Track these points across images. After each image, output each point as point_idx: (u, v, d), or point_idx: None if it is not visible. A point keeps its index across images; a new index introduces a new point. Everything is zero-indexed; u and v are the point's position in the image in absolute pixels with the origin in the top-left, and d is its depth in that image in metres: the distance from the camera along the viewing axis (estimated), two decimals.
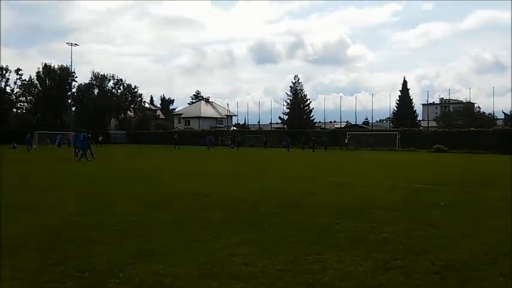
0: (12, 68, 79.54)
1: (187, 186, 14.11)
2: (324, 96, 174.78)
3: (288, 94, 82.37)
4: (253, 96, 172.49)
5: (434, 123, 67.51)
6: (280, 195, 12.02)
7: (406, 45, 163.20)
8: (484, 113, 64.55)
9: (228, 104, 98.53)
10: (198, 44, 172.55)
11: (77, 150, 28.26)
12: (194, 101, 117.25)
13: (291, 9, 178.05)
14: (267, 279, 5.02)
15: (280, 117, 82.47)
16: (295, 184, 14.94)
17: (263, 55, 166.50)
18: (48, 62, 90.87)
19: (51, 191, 12.72)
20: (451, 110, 74.46)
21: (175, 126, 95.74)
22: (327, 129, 70.03)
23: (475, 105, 70.55)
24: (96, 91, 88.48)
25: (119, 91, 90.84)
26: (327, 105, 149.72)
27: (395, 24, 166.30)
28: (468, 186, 15.02)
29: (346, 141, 54.81)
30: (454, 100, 79.02)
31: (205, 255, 5.94)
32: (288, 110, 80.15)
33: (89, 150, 27.54)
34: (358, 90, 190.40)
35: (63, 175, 18.05)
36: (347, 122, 77.12)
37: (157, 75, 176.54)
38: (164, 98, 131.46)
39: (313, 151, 47.78)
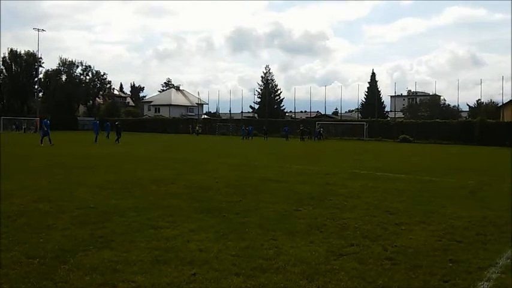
0: None
1: (150, 173, 13.96)
2: (295, 86, 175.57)
3: (259, 84, 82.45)
4: (227, 85, 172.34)
5: (401, 115, 68.80)
6: (244, 183, 12.02)
7: (383, 39, 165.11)
8: (449, 105, 66.22)
9: (198, 93, 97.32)
10: (177, 33, 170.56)
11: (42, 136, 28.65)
12: (165, 88, 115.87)
13: (272, 2, 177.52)
14: (221, 265, 5.01)
15: (251, 106, 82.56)
16: (259, 172, 14.97)
17: (240, 43, 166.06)
18: (21, 49, 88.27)
19: (12, 177, 12.37)
20: (418, 102, 75.98)
21: (145, 114, 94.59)
22: (297, 118, 70.37)
23: (441, 97, 72.34)
24: (64, 77, 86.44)
25: (88, 78, 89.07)
26: (302, 95, 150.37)
27: (374, 19, 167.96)
28: (429, 174, 15.36)
29: (319, 131, 54.74)
30: (421, 92, 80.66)
31: (161, 241, 5.89)
32: (259, 100, 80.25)
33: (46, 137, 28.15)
34: (332, 81, 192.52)
35: (26, 160, 17.58)
36: (317, 112, 77.76)
37: (133, 63, 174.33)
38: (134, 85, 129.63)
39: (298, 140, 48.24)
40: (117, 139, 33.53)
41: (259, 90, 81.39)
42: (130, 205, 8.40)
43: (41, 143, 27.83)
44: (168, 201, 9.00)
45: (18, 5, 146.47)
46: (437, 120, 52.40)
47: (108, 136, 38.99)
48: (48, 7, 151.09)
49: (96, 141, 33.08)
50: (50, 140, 28.18)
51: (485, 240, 6.42)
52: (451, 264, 5.27)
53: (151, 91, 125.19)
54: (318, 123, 58.14)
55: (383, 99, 79.60)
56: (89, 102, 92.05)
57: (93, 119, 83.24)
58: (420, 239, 6.39)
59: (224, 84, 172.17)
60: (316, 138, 50.55)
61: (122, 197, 9.34)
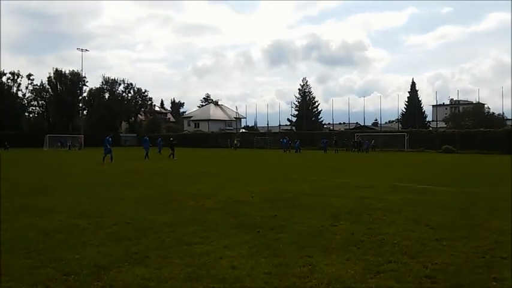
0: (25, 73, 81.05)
1: (188, 187, 14.06)
2: (332, 98, 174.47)
3: (296, 96, 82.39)
4: (265, 99, 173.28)
5: (443, 124, 67.02)
6: (280, 197, 11.90)
7: (422, 48, 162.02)
8: (493, 113, 64.02)
9: (236, 107, 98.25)
10: (215, 48, 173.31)
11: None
12: (204, 104, 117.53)
13: (310, 14, 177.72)
14: (253, 283, 4.94)
15: (288, 119, 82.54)
16: (296, 185, 14.81)
17: (278, 56, 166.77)
18: (66, 68, 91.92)
19: (53, 192, 12.74)
20: (461, 110, 73.84)
21: (185, 129, 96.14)
22: (335, 130, 69.70)
23: (485, 105, 70.04)
24: (107, 95, 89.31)
25: (129, 95, 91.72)
26: (340, 106, 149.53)
27: (412, 28, 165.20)
28: (472, 186, 14.79)
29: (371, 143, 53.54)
30: (464, 101, 78.38)
31: (194, 258, 5.87)
32: (297, 112, 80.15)
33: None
34: (371, 92, 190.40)
35: (66, 177, 18.10)
36: (356, 123, 76.82)
37: (173, 80, 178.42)
38: (174, 101, 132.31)
39: (326, 152, 47.87)
40: (172, 154, 34.39)
41: (296, 103, 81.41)
42: (166, 220, 8.46)
43: (103, 161, 27.80)
44: (203, 216, 9.01)
45: (63, 27, 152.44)
46: (481, 129, 50.65)
47: (160, 151, 39.93)
48: (92, 27, 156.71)
49: (146, 157, 32.96)
50: (111, 158, 28.16)
51: None
52: (495, 283, 5.01)
53: (191, 106, 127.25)
54: (357, 135, 57.39)
55: (424, 108, 78.26)
56: (131, 118, 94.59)
57: (135, 135, 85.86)
58: (462, 255, 6.11)
59: (262, 98, 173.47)
60: (367, 150, 49.88)
61: (159, 212, 9.42)
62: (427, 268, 5.52)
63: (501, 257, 6.00)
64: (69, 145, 64.54)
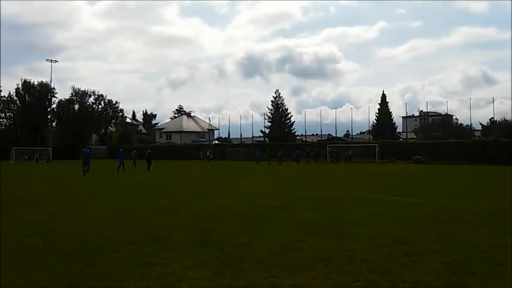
0: None
1: (155, 202, 13.63)
2: (305, 110, 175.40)
3: (269, 108, 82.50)
4: (238, 110, 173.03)
5: (413, 135, 68.06)
6: (249, 212, 11.60)
7: (393, 61, 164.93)
8: (461, 124, 65.40)
9: (209, 119, 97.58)
10: (190, 61, 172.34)
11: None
12: (177, 115, 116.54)
13: (282, 27, 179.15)
14: None
15: (261, 131, 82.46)
16: (267, 199, 14.54)
17: (252, 68, 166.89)
18: (35, 79, 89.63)
19: (13, 210, 12.12)
20: (430, 122, 75.20)
21: (156, 141, 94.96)
22: (308, 141, 69.95)
23: (454, 117, 71.56)
24: (76, 106, 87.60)
25: (100, 106, 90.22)
26: (314, 118, 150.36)
27: (383, 41, 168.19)
28: (443, 198, 14.81)
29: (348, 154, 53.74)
30: (433, 112, 79.88)
31: (151, 281, 5.48)
32: (270, 124, 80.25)
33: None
34: (343, 104, 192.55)
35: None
36: (328, 134, 77.30)
37: (146, 91, 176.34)
38: (146, 112, 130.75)
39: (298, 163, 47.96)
40: (148, 167, 34.49)
41: (269, 115, 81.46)
42: (127, 238, 8.04)
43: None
44: (166, 233, 8.60)
45: (33, 37, 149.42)
46: (450, 140, 51.58)
47: (135, 164, 38.94)
48: (63, 39, 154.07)
49: (120, 169, 32.85)
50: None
51: (503, 271, 5.94)
52: None
53: (164, 118, 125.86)
54: (329, 146, 57.68)
55: (394, 120, 79.14)
56: (102, 130, 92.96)
57: (105, 147, 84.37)
58: (433, 272, 5.91)
59: (236, 110, 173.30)
60: (345, 161, 50.03)
61: (120, 229, 8.98)
62: (396, 287, 5.30)
63: (472, 273, 5.84)
64: (37, 158, 62.82)
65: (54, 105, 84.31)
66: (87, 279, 5.58)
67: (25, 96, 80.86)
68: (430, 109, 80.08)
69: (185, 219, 10.47)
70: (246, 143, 73.73)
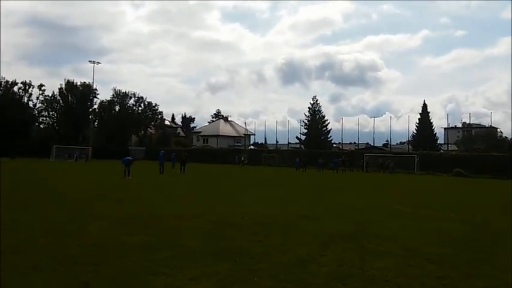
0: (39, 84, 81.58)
1: (178, 205, 13.32)
2: (343, 117, 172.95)
3: (306, 115, 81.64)
4: (276, 116, 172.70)
5: (455, 147, 65.72)
6: (272, 220, 11.08)
7: (436, 70, 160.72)
8: (506, 137, 62.69)
9: (245, 123, 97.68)
10: (230, 66, 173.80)
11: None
12: (214, 119, 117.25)
13: (324, 33, 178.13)
14: None
15: (297, 137, 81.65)
16: (293, 207, 13.98)
17: (291, 75, 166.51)
18: (79, 80, 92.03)
19: (36, 206, 12.08)
20: (473, 134, 72.48)
21: (194, 144, 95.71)
22: (345, 150, 68.66)
23: (498, 129, 68.74)
24: (117, 108, 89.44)
25: (140, 108, 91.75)
26: (352, 126, 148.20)
27: (425, 50, 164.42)
28: (481, 213, 13.87)
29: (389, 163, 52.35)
30: (477, 124, 77.04)
31: None
32: (306, 130, 79.40)
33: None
34: (383, 113, 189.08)
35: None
36: (367, 143, 75.74)
37: (186, 95, 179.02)
38: (185, 116, 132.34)
39: (336, 171, 47.15)
40: (183, 168, 35.51)
41: (306, 121, 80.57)
42: (138, 243, 7.69)
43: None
44: (182, 239, 8.22)
45: (79, 39, 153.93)
46: (493, 153, 49.34)
47: (173, 166, 39.74)
48: (108, 42, 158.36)
49: (161, 171, 32.86)
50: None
51: None
52: None
53: (202, 122, 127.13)
54: (366, 155, 56.36)
55: (436, 131, 76.66)
56: (141, 132, 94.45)
57: (144, 148, 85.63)
58: None
59: (273, 115, 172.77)
60: (391, 171, 48.78)
61: (133, 233, 8.65)
62: None
63: None
64: (76, 156, 64.20)
65: (95, 106, 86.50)
66: (80, 285, 5.24)
67: (68, 96, 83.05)
68: (474, 121, 77.57)
69: (205, 223, 10.09)
70: (281, 149, 73.15)
